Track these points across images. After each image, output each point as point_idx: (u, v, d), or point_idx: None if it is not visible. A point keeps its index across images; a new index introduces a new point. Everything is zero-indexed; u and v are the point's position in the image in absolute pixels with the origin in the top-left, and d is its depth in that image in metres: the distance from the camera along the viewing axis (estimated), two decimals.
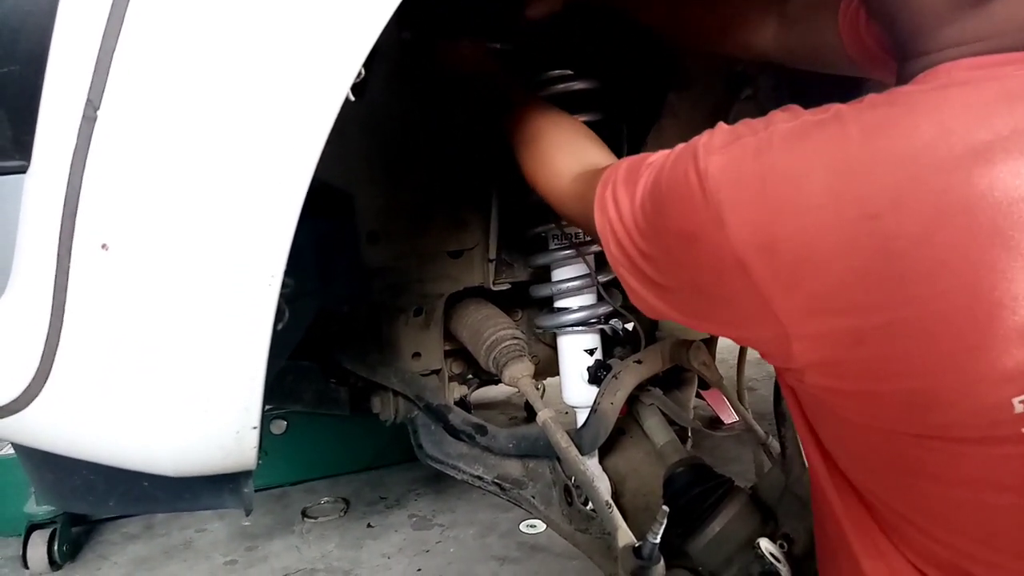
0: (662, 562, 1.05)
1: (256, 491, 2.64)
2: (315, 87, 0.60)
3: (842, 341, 0.57)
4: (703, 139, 0.65)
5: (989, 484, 0.58)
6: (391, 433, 2.79)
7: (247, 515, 0.89)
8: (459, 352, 1.57)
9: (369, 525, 2.46)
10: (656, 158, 0.72)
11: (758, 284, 0.59)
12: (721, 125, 0.67)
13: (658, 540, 1.03)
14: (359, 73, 0.60)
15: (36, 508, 2.26)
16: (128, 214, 0.62)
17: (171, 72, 0.59)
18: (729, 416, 3.11)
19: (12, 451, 2.57)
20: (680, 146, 0.69)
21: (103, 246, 0.62)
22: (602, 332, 1.33)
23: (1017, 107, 0.54)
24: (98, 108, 0.60)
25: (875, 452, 0.64)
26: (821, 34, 0.92)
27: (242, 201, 0.61)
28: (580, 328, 1.30)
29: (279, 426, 2.57)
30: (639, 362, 1.26)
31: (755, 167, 0.59)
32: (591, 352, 1.31)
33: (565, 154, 0.95)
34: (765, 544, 1.05)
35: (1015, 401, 0.53)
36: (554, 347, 1.60)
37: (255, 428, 0.71)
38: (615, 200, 0.74)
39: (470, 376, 1.74)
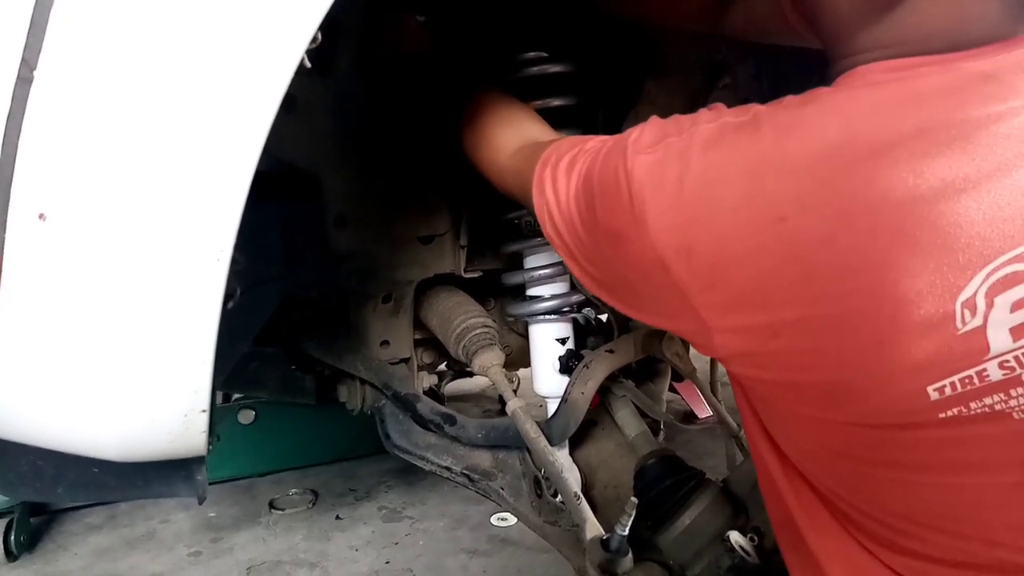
0: (630, 554, 1.03)
1: (223, 482, 2.60)
2: (268, 47, 0.56)
3: (758, 335, 0.59)
4: (633, 135, 0.67)
5: (912, 466, 0.59)
6: (361, 424, 2.76)
7: (200, 503, 0.85)
8: (429, 341, 1.53)
9: (338, 517, 2.43)
10: (592, 144, 0.74)
11: (678, 282, 0.61)
12: (653, 120, 0.68)
13: (626, 532, 1.01)
14: (315, 38, 0.57)
15: None
16: (67, 182, 0.58)
17: (112, 30, 0.56)
18: (703, 410, 3.11)
19: None
20: (613, 139, 0.71)
21: (40, 216, 0.59)
22: (574, 321, 1.31)
23: (924, 107, 0.55)
24: (34, 68, 0.56)
25: (807, 437, 0.66)
26: (763, 6, 0.93)
27: (188, 169, 0.57)
28: (552, 316, 1.28)
29: (247, 416, 2.53)
30: (611, 351, 1.24)
31: (675, 170, 0.61)
32: (563, 341, 1.29)
33: (505, 128, 0.96)
34: (735, 537, 1.03)
35: (929, 390, 0.54)
36: (527, 337, 1.58)
37: (204, 411, 0.67)
38: (553, 182, 0.76)
39: (441, 366, 1.71)
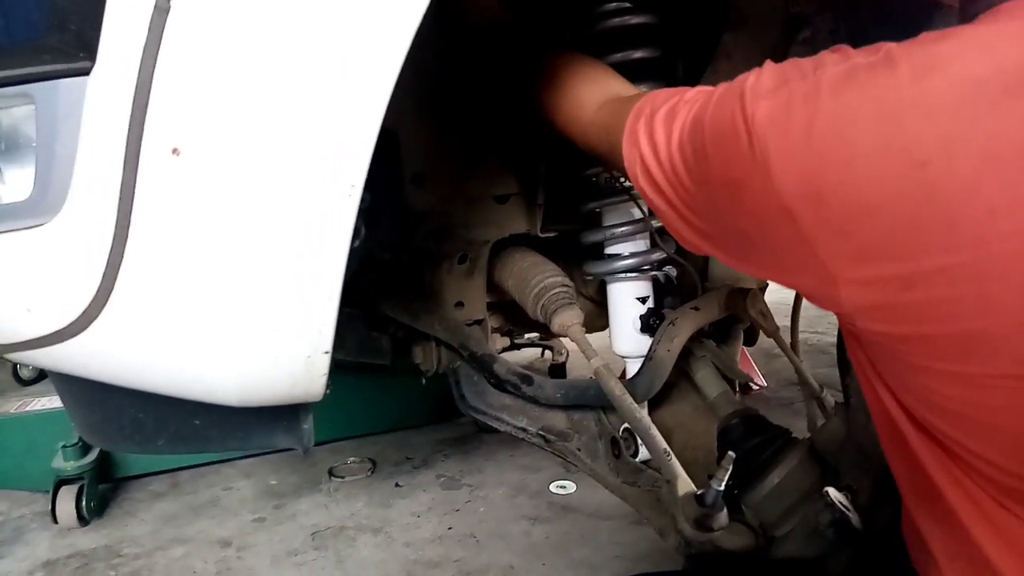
0: (725, 510, 1.01)
1: (281, 450, 2.62)
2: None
3: (891, 285, 0.56)
4: (750, 80, 0.63)
5: None
6: (416, 395, 2.78)
7: (304, 453, 0.86)
8: (499, 305, 1.53)
9: (397, 484, 2.45)
10: (695, 95, 0.70)
11: (804, 232, 0.58)
12: (769, 64, 0.64)
13: (723, 487, 0.99)
14: None
15: (64, 463, 2.26)
16: (202, 116, 0.58)
17: None
18: (759, 380, 3.08)
19: (39, 407, 2.57)
20: (724, 85, 0.67)
21: (174, 151, 0.58)
22: (654, 279, 1.29)
23: None
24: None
25: (938, 391, 0.63)
26: None
27: (325, 100, 0.57)
28: (632, 275, 1.26)
29: None
30: (696, 308, 1.22)
31: (802, 114, 0.57)
32: (643, 300, 1.27)
33: (587, 84, 0.93)
34: (834, 493, 1.01)
35: None
36: (597, 301, 1.57)
37: (327, 353, 0.67)
38: (650, 133, 0.73)
39: (509, 329, 1.71)
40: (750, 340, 1.67)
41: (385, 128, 1.18)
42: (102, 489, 2.41)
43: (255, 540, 2.13)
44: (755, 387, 3.03)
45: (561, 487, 2.33)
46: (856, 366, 0.75)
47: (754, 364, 3.11)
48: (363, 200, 0.62)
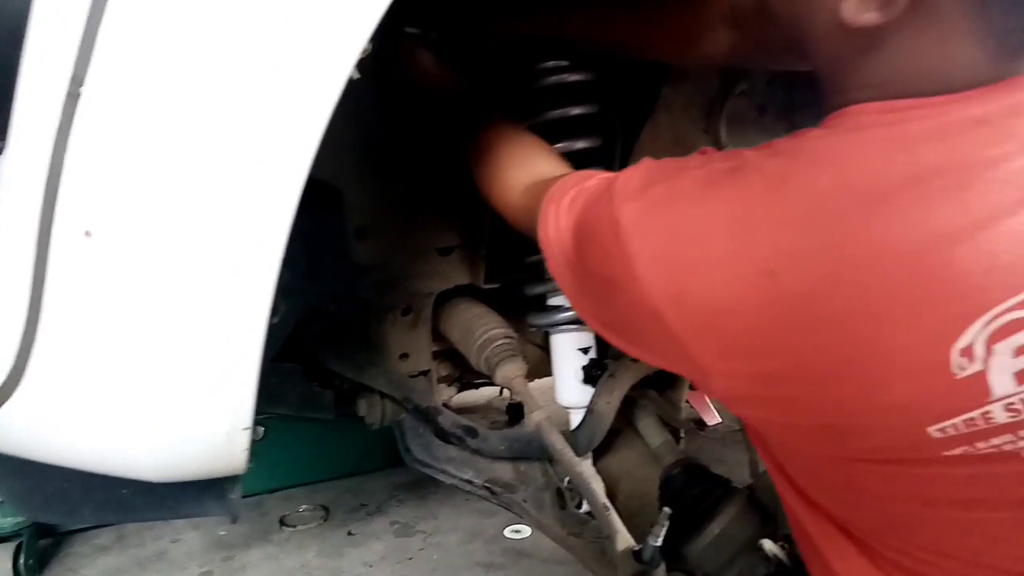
0: (663, 565, 1.02)
1: None
2: (322, 55, 0.56)
3: (755, 381, 0.59)
4: (621, 179, 0.67)
5: (923, 499, 0.59)
6: (370, 439, 2.75)
7: (233, 522, 0.84)
8: (447, 353, 1.53)
9: (350, 533, 2.41)
10: (595, 184, 0.73)
11: (672, 331, 0.60)
12: (642, 164, 0.68)
13: (659, 542, 1.00)
14: (366, 48, 0.56)
15: (0, 520, 2.17)
16: (114, 198, 0.58)
17: (162, 44, 0.55)
18: (712, 418, 3.10)
19: None
20: (604, 180, 0.71)
21: (86, 233, 0.58)
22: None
23: (916, 153, 0.54)
24: (82, 85, 0.56)
25: (817, 472, 0.67)
26: (771, 34, 0.93)
27: (239, 180, 0.57)
28: (574, 326, 1.27)
29: (256, 432, 2.51)
30: (635, 360, 1.23)
31: (663, 220, 0.61)
32: (585, 351, 1.28)
33: (516, 166, 0.95)
34: (768, 545, 1.02)
35: (930, 431, 0.53)
36: (543, 348, 1.57)
37: (246, 429, 0.67)
38: (556, 220, 0.75)
39: (457, 377, 1.70)
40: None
41: (328, 183, 1.20)
42: (43, 544, 2.33)
43: None
44: (709, 424, 3.05)
45: (516, 531, 2.32)
46: (751, 441, 0.78)
47: (708, 402, 3.13)
48: (281, 277, 0.62)
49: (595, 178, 0.74)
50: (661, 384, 1.51)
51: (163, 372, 0.64)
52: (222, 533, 2.43)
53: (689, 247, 0.58)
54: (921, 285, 0.51)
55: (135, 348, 0.62)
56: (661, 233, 0.60)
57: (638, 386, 1.35)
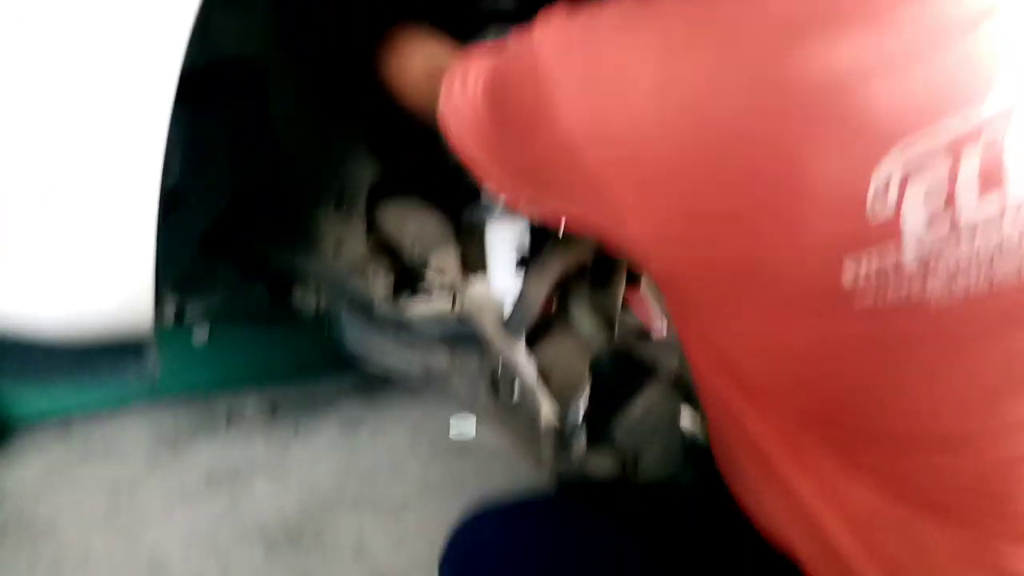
0: (584, 439, 1.06)
1: (179, 397, 2.55)
2: None
3: (673, 219, 0.58)
4: (536, 24, 0.64)
5: (839, 358, 0.59)
6: (318, 340, 2.74)
7: (151, 384, 0.85)
8: (383, 246, 1.52)
9: (297, 428, 2.44)
10: (500, 43, 0.72)
11: (590, 169, 0.60)
12: (558, 5, 0.66)
13: (579, 419, 1.04)
14: None
15: None
16: None
17: None
18: (657, 328, 3.16)
19: None
20: (514, 35, 0.68)
21: None
22: (530, 220, 1.31)
23: None
24: None
25: (742, 333, 0.64)
26: None
27: None
28: (508, 216, 1.28)
29: (202, 333, 2.49)
30: (566, 248, 1.25)
31: (585, 51, 0.59)
32: (517, 240, 1.29)
33: (415, 54, 0.96)
34: (685, 422, 1.07)
35: (843, 279, 0.53)
36: (480, 239, 1.58)
37: (147, 291, 0.66)
38: (463, 84, 0.74)
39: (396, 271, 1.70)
40: (634, 279, 1.72)
41: (252, 64, 1.15)
42: None
43: (147, 483, 2.11)
44: (654, 335, 3.11)
45: (460, 428, 2.38)
46: (676, 327, 0.78)
47: (652, 308, 3.20)
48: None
49: (500, 42, 0.73)
50: (597, 275, 1.53)
51: (64, 233, 0.63)
52: (168, 424, 2.45)
53: (613, 78, 0.57)
54: (838, 117, 0.51)
55: (35, 213, 0.61)
56: (584, 64, 0.59)
57: (575, 277, 1.37)
